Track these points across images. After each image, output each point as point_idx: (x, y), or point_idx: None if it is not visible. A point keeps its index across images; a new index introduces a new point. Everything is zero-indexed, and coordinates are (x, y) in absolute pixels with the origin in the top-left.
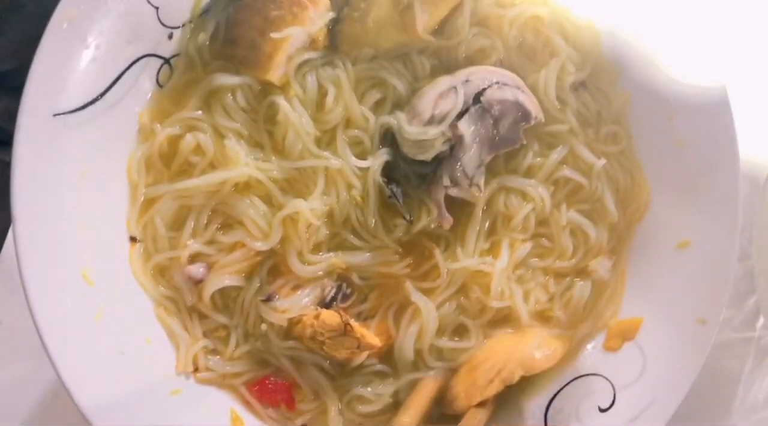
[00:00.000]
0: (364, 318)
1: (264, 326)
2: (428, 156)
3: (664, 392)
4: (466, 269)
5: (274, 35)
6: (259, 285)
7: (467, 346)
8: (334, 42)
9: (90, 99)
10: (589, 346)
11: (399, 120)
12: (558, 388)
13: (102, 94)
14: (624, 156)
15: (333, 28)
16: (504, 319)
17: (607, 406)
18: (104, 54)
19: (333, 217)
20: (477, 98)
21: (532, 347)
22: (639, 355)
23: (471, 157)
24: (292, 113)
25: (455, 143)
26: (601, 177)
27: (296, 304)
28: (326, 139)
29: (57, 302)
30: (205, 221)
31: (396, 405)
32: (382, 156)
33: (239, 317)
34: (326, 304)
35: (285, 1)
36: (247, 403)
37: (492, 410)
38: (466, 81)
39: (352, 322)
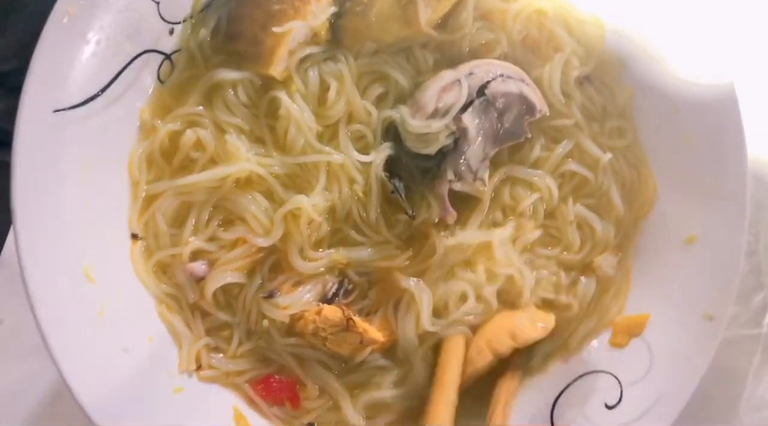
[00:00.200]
0: (366, 313)
1: (265, 322)
2: (432, 150)
3: (672, 389)
4: (462, 245)
5: (275, 29)
6: (260, 282)
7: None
8: (336, 36)
9: (90, 95)
10: (595, 343)
11: (402, 113)
12: (565, 385)
13: (102, 90)
14: (630, 151)
15: (335, 22)
16: (505, 292)
17: (614, 403)
18: (105, 50)
19: (335, 212)
20: (481, 91)
21: (521, 319)
22: (646, 352)
23: (475, 150)
24: (294, 108)
25: (459, 137)
26: (607, 171)
27: (298, 301)
28: (328, 134)
29: (58, 300)
30: (207, 218)
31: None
32: (384, 150)
33: (241, 314)
34: (328, 300)
35: None
36: (251, 402)
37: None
38: (470, 74)
39: (355, 317)
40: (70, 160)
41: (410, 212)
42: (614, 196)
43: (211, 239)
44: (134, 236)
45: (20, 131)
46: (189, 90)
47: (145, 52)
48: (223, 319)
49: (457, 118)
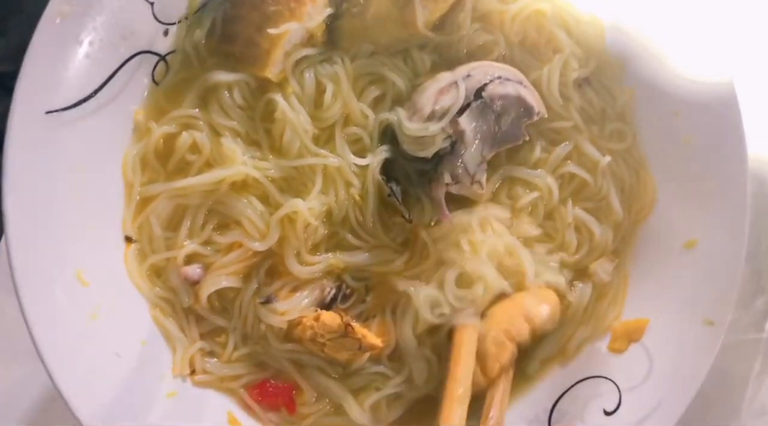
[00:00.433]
0: (364, 318)
1: (262, 326)
2: (429, 153)
3: (671, 395)
4: (448, 232)
5: (271, 31)
6: (256, 286)
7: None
8: (333, 38)
9: (83, 96)
10: (594, 348)
11: (399, 116)
12: (563, 391)
13: (96, 92)
14: (629, 154)
15: (331, 23)
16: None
17: (613, 408)
18: (98, 51)
19: (331, 216)
20: (478, 93)
21: (531, 302)
22: (645, 357)
23: (472, 153)
24: (290, 111)
25: (456, 139)
26: (607, 175)
27: (296, 306)
28: (324, 137)
29: (50, 303)
30: (202, 221)
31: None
32: (381, 153)
33: (237, 319)
34: (326, 306)
35: None
36: (246, 407)
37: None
38: (468, 76)
39: (353, 322)
40: (62, 162)
41: (407, 216)
42: (613, 200)
43: (207, 243)
44: (128, 239)
45: (12, 132)
46: (184, 92)
47: (139, 53)
48: (218, 323)
49: (454, 121)
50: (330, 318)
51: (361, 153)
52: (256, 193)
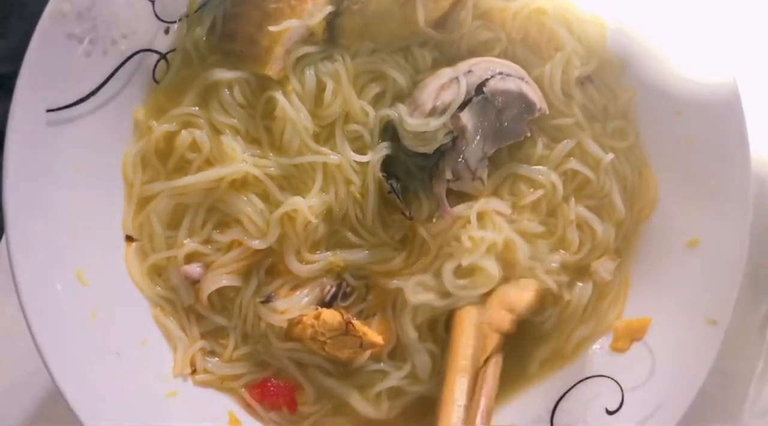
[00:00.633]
0: (365, 316)
1: (263, 325)
2: (430, 148)
3: (674, 394)
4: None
5: (271, 29)
6: (257, 285)
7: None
8: (333, 35)
9: (84, 94)
10: (596, 347)
11: (400, 112)
12: (564, 390)
13: (96, 90)
14: (631, 152)
15: (332, 21)
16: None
17: (615, 408)
18: (98, 49)
19: (331, 214)
20: (479, 89)
21: (511, 291)
22: (648, 356)
23: (474, 149)
24: (290, 108)
25: (457, 135)
26: (609, 172)
27: (296, 305)
28: (325, 135)
29: (50, 303)
30: (202, 220)
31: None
32: (381, 150)
33: (237, 318)
34: (326, 304)
35: None
36: (248, 406)
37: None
38: (469, 71)
39: (354, 320)
40: (62, 160)
41: (408, 213)
42: (616, 198)
43: (207, 241)
44: (129, 238)
45: (12, 131)
46: (184, 90)
47: (139, 51)
48: (218, 322)
49: (456, 117)
50: (330, 316)
51: (361, 150)
52: (256, 191)
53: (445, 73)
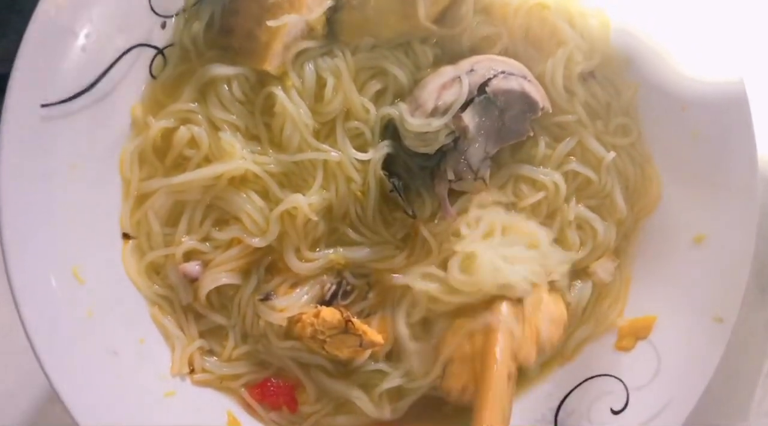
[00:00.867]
0: (366, 315)
1: (262, 323)
2: (431, 149)
3: (680, 393)
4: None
5: (270, 23)
6: (256, 283)
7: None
8: (333, 31)
9: (80, 89)
10: (600, 346)
11: (401, 111)
12: (569, 390)
13: (92, 85)
14: (634, 149)
15: (332, 16)
16: None
17: (620, 408)
18: (94, 43)
19: (332, 211)
20: (482, 88)
21: (545, 326)
22: (653, 355)
23: (476, 149)
24: (290, 104)
25: (459, 135)
26: (611, 171)
27: (295, 303)
28: (325, 132)
29: (45, 301)
30: (201, 217)
31: None
32: (383, 149)
33: (237, 317)
34: (326, 302)
35: None
36: (247, 406)
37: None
38: (471, 70)
39: (354, 319)
40: (58, 156)
41: (410, 212)
42: (617, 198)
43: (205, 239)
44: (126, 236)
45: (7, 126)
46: (182, 86)
47: (136, 46)
48: (217, 321)
49: (457, 117)
50: (330, 314)
51: (362, 148)
52: (255, 188)
53: (447, 72)
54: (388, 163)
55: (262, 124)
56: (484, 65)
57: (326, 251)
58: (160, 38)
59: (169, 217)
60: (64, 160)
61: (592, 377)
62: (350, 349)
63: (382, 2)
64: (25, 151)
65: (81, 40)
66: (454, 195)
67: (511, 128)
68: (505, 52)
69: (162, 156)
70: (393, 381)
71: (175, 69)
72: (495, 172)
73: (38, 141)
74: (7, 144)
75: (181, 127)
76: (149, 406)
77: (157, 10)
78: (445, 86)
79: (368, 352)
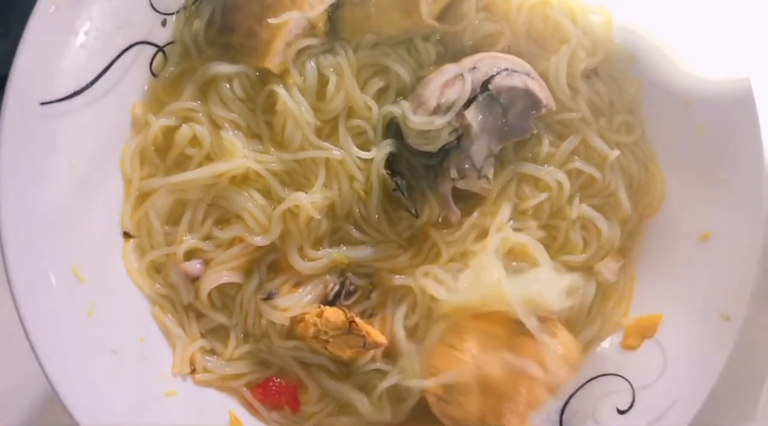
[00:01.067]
0: (368, 315)
1: (264, 322)
2: (434, 147)
3: (686, 393)
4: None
5: (271, 21)
6: (258, 282)
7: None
8: (335, 28)
9: (79, 87)
10: (606, 345)
11: (403, 109)
12: (574, 389)
13: (92, 83)
14: (638, 147)
15: (333, 13)
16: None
17: (626, 407)
18: (94, 41)
19: (334, 210)
20: (485, 86)
21: (560, 374)
22: (659, 354)
23: (479, 147)
24: (291, 102)
25: (462, 133)
26: (615, 169)
27: (298, 302)
28: (327, 130)
29: (45, 299)
30: (202, 216)
31: None
32: (385, 147)
33: (238, 316)
34: (329, 302)
35: None
36: (249, 406)
37: None
38: (474, 68)
39: (357, 319)
40: (58, 155)
41: (414, 211)
42: (622, 196)
43: (207, 238)
44: (126, 234)
45: (5, 124)
46: (183, 84)
47: (136, 43)
48: (219, 320)
49: (461, 115)
50: (334, 314)
51: (364, 146)
52: (257, 186)
53: (449, 70)
54: (391, 162)
55: (263, 122)
56: (487, 62)
57: (329, 250)
58: (161, 36)
59: (170, 216)
60: (64, 159)
61: (597, 376)
62: (353, 349)
63: None
64: (24, 149)
65: (81, 38)
66: (460, 194)
67: (514, 126)
68: (508, 50)
69: (163, 154)
70: (391, 379)
71: (176, 67)
72: (498, 170)
73: (38, 139)
74: (6, 142)
75: (183, 126)
76: (150, 406)
77: (157, 8)
78: (447, 84)
79: (371, 353)
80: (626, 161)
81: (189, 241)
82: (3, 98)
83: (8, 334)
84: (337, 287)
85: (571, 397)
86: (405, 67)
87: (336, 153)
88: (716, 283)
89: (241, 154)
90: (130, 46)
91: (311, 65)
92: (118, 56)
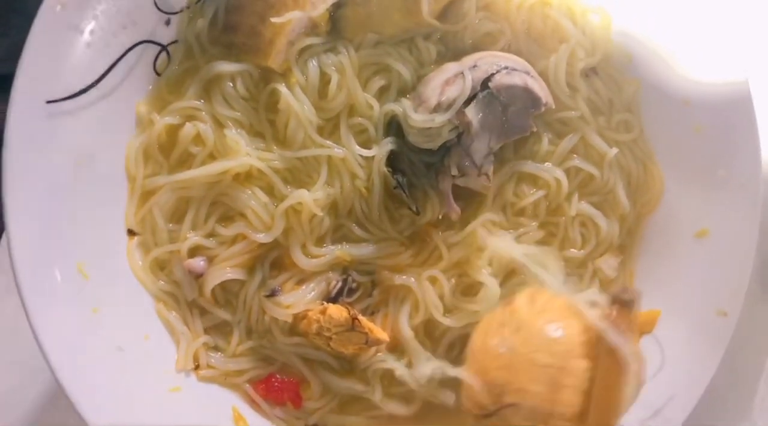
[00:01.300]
0: (371, 312)
1: (267, 319)
2: (435, 144)
3: (683, 388)
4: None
5: (274, 20)
6: (261, 279)
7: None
8: (337, 27)
9: (84, 86)
10: None
11: (404, 107)
12: None
13: (97, 81)
14: (636, 145)
15: (335, 12)
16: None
17: None
18: (99, 40)
19: (336, 207)
20: (485, 84)
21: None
22: (657, 350)
23: (479, 145)
24: (294, 101)
25: (463, 131)
26: (614, 167)
27: (301, 299)
28: (329, 128)
29: (51, 296)
30: (206, 213)
31: None
32: (387, 145)
33: (242, 312)
34: (332, 299)
35: None
36: (252, 402)
37: None
38: (474, 66)
39: (360, 316)
40: (63, 153)
41: (414, 208)
42: (620, 194)
43: (210, 235)
44: (131, 232)
45: (11, 122)
46: (186, 82)
47: (140, 42)
48: (222, 317)
49: (461, 112)
50: (337, 311)
51: (366, 144)
52: (260, 184)
53: (450, 68)
54: (392, 160)
55: (266, 120)
56: (487, 61)
57: (332, 247)
58: (165, 35)
59: (174, 214)
60: (69, 156)
61: None
62: (356, 346)
63: None
64: (30, 147)
65: (86, 37)
66: (460, 192)
67: (514, 124)
68: (508, 49)
69: (167, 152)
70: (398, 371)
71: (180, 66)
72: (498, 168)
73: (43, 137)
74: (12, 140)
75: (187, 124)
76: (154, 402)
77: (161, 7)
78: (448, 82)
79: (374, 350)
80: (625, 159)
81: (193, 239)
82: (6, 97)
83: (13, 331)
84: (339, 284)
85: None
86: (406, 65)
87: (338, 151)
88: (713, 279)
89: (244, 152)
90: (135, 45)
91: (313, 64)
92: (123, 55)
